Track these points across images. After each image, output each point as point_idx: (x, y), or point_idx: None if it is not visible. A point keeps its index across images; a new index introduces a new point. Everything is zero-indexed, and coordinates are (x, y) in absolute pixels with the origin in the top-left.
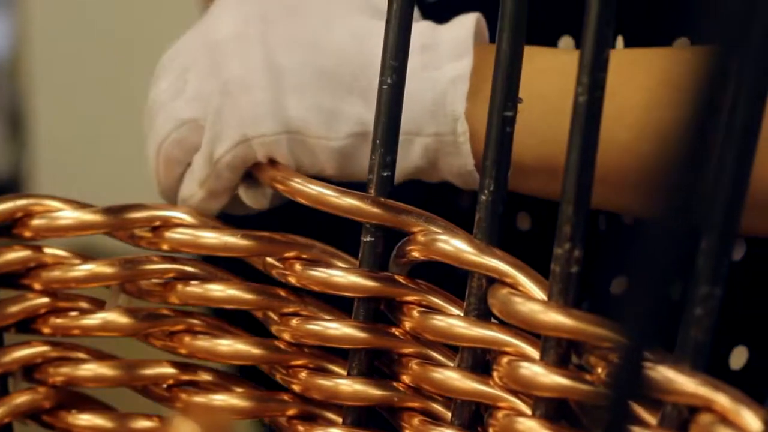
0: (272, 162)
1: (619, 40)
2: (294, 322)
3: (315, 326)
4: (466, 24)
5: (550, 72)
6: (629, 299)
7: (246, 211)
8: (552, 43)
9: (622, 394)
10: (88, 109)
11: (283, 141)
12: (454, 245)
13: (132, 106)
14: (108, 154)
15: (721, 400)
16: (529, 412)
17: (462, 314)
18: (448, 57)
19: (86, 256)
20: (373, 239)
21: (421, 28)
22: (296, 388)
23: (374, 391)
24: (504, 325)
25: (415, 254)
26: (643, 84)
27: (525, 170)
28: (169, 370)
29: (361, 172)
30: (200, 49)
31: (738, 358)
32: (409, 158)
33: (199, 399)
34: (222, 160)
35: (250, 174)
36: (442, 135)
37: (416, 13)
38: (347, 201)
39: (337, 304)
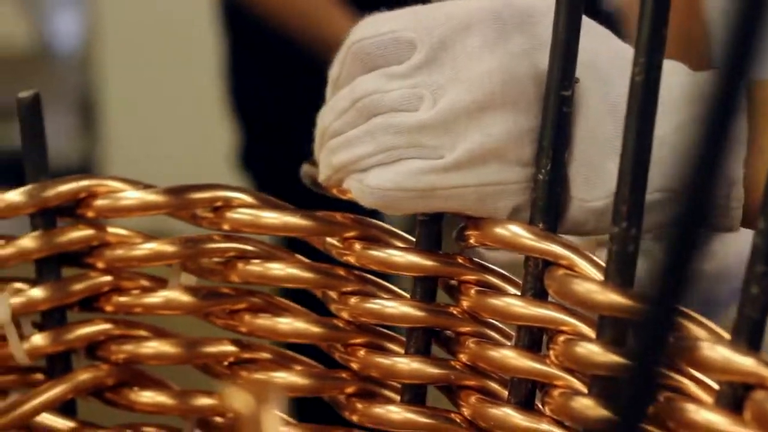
0: None
1: None
2: (352, 300)
3: (373, 305)
4: None
5: None
6: (657, 272)
7: None
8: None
9: (645, 362)
10: (158, 100)
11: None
12: (511, 230)
13: (201, 96)
14: (177, 143)
15: None
16: (585, 390)
17: (519, 293)
18: None
19: (148, 235)
20: (428, 218)
21: (681, 76)
22: (355, 366)
23: (432, 370)
24: (560, 304)
25: (472, 240)
26: None
27: None
28: (230, 347)
29: None
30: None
31: None
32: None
33: (259, 376)
34: None
35: None
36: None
37: None
38: None
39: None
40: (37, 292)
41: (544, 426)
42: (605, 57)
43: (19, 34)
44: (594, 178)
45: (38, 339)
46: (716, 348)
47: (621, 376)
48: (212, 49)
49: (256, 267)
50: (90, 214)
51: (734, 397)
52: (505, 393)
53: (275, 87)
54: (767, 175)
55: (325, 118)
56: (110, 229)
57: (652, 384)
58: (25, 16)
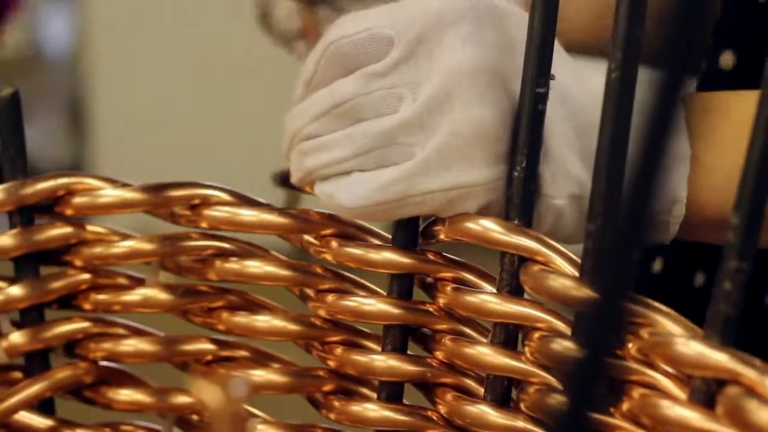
0: None
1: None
2: (330, 298)
3: (350, 303)
4: None
5: None
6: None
7: None
8: None
9: (594, 352)
10: (147, 102)
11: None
12: (483, 225)
13: (190, 97)
14: (167, 145)
15: (749, 373)
16: (560, 387)
17: (495, 290)
18: None
19: (126, 233)
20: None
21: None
22: (332, 363)
23: (408, 367)
24: (535, 301)
25: (443, 236)
26: None
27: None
28: (209, 346)
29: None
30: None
31: None
32: None
33: (237, 374)
34: None
35: None
36: (655, 213)
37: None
38: None
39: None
40: (16, 290)
41: (520, 423)
42: (562, 69)
43: (9, 37)
44: (559, 175)
45: (16, 337)
46: (690, 344)
47: (570, 365)
48: (201, 51)
49: (233, 265)
50: (68, 211)
51: (708, 392)
52: (482, 390)
53: None
54: (742, 174)
55: (298, 120)
56: (88, 227)
57: (600, 372)
58: (16, 19)
